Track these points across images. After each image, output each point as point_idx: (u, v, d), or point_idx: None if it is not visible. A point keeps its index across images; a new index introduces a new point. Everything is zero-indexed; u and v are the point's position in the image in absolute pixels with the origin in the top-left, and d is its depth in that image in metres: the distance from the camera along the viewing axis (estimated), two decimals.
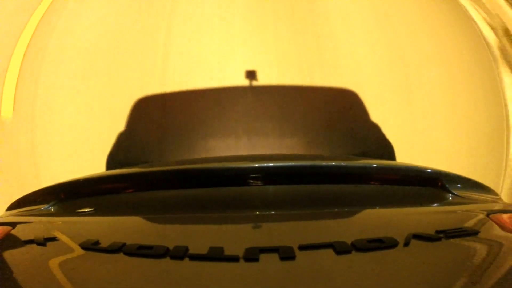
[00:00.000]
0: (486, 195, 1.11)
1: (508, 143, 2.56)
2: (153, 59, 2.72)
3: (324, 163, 1.10)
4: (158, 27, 2.81)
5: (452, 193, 1.00)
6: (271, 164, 1.03)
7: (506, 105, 2.60)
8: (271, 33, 2.80)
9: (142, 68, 2.72)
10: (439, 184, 1.03)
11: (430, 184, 1.05)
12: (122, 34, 2.84)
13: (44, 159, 2.60)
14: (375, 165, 1.17)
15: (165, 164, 1.34)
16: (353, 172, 1.08)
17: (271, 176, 1.01)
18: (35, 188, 1.08)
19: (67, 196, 1.04)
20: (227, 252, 0.63)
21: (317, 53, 2.70)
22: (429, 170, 1.14)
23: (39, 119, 2.65)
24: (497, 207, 1.02)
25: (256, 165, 1.03)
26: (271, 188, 1.01)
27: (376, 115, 2.55)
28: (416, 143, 2.58)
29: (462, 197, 1.00)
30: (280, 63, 2.68)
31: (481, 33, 2.70)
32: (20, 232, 0.82)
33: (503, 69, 2.61)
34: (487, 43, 2.64)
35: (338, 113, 2.63)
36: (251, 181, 1.00)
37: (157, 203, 1.02)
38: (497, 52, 2.65)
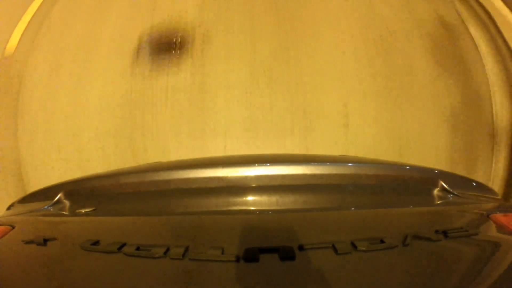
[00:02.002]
0: (486, 195, 1.11)
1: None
2: None
3: (324, 163, 1.10)
4: None
5: (452, 193, 1.00)
6: (272, 167, 1.03)
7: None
8: None
9: None
10: (439, 184, 1.03)
11: (430, 184, 1.05)
12: None
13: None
14: (375, 165, 1.17)
15: (167, 165, 1.34)
16: (353, 173, 1.08)
17: (271, 177, 1.01)
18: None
19: (67, 196, 1.04)
20: (227, 252, 0.63)
21: None
22: (429, 170, 1.14)
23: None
24: (497, 207, 1.02)
25: (257, 167, 1.03)
26: (271, 189, 1.01)
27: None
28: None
29: (462, 197, 1.00)
30: None
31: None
32: (20, 232, 0.82)
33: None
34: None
35: None
36: (251, 182, 1.00)
37: (157, 203, 1.02)
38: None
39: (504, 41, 2.61)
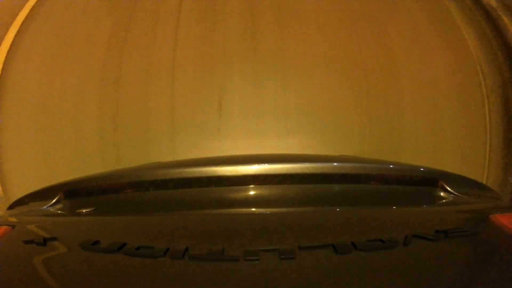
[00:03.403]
0: (486, 195, 1.11)
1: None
2: None
3: (324, 163, 1.10)
4: None
5: (452, 193, 1.00)
6: (272, 166, 1.03)
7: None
8: None
9: None
10: (439, 184, 1.03)
11: (430, 184, 1.05)
12: None
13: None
14: (375, 165, 1.17)
15: (166, 165, 1.34)
16: (353, 172, 1.08)
17: (271, 177, 1.01)
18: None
19: (67, 196, 1.04)
20: (227, 252, 0.63)
21: None
22: (429, 170, 1.14)
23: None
24: (497, 207, 1.02)
25: (256, 166, 1.03)
26: (271, 188, 1.01)
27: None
28: None
29: (462, 197, 1.00)
30: None
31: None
32: (20, 232, 0.82)
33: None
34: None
35: None
36: (251, 181, 1.00)
37: (157, 203, 1.02)
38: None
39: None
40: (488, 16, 2.58)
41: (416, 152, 2.59)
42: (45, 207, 1.00)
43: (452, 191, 1.01)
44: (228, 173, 1.01)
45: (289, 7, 2.78)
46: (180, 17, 2.76)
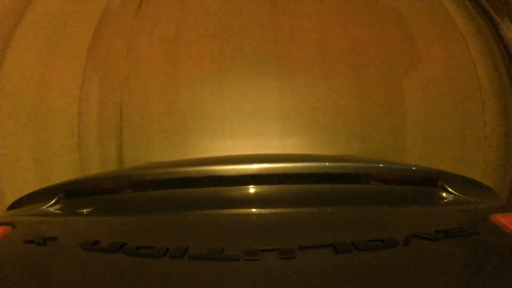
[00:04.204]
0: (486, 195, 1.11)
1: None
2: None
3: (324, 163, 1.10)
4: None
5: (452, 193, 1.00)
6: (272, 166, 1.03)
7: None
8: None
9: None
10: (439, 184, 1.03)
11: (430, 184, 1.05)
12: None
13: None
14: (375, 165, 1.17)
15: (166, 165, 1.34)
16: (353, 172, 1.07)
17: (271, 176, 1.01)
18: None
19: (67, 196, 1.04)
20: (227, 252, 0.63)
21: None
22: (429, 170, 1.13)
23: None
24: (497, 207, 1.02)
25: (256, 166, 1.03)
26: (271, 188, 1.01)
27: None
28: None
29: (462, 197, 1.00)
30: None
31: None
32: (20, 232, 0.82)
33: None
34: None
35: None
36: (251, 181, 1.00)
37: (157, 203, 1.02)
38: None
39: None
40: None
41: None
42: (45, 207, 1.00)
43: (452, 191, 1.01)
44: (228, 173, 1.01)
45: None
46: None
